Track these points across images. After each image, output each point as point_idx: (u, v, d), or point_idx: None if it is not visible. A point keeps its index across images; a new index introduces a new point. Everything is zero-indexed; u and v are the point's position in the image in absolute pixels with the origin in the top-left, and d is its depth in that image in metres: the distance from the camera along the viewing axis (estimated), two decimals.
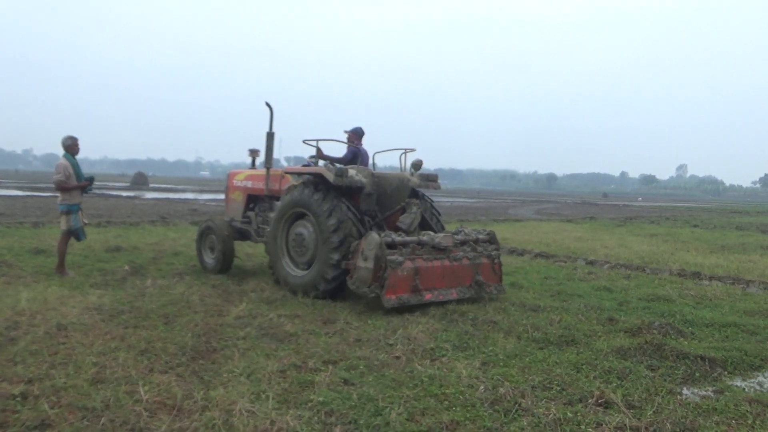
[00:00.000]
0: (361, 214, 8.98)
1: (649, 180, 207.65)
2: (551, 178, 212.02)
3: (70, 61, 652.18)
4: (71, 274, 9.62)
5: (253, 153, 11.14)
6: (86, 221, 10.28)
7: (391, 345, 6.34)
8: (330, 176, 8.56)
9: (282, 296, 8.48)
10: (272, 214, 9.62)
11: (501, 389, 5.08)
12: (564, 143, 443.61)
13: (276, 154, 10.40)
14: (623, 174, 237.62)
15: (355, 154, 9.88)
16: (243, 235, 10.81)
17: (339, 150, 10.09)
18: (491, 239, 9.39)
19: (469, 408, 4.73)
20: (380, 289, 7.75)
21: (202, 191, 53.53)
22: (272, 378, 5.19)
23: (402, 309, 7.93)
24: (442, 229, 9.61)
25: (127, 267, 10.37)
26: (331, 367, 5.53)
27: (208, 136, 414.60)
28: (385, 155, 10.46)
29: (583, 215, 36.63)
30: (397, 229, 8.85)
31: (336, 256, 8.23)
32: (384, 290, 7.71)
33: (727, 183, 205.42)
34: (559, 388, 5.24)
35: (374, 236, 7.92)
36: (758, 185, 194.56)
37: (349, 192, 8.95)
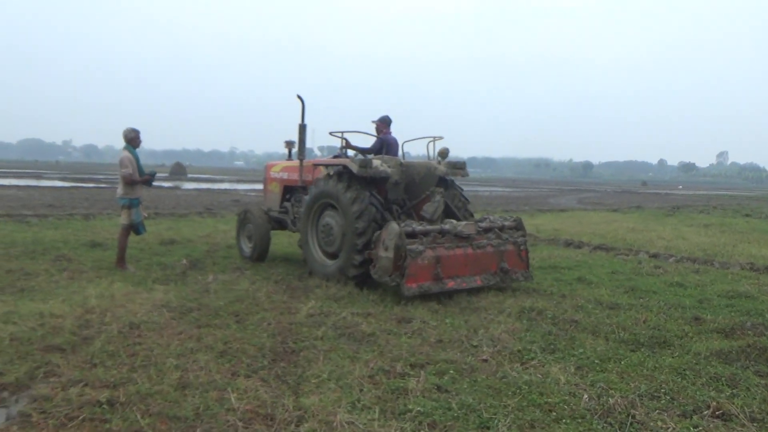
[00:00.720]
0: (388, 203, 9.12)
1: (688, 167, 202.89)
2: (587, 166, 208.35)
3: (108, 54, 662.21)
4: (131, 268, 9.51)
5: (289, 145, 11.26)
6: (146, 214, 10.16)
7: (475, 347, 6.04)
8: (354, 167, 8.65)
9: (348, 293, 8.22)
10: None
11: (609, 399, 4.73)
12: (600, 131, 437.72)
13: (309, 144, 10.51)
14: (661, 162, 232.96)
15: (383, 143, 9.92)
16: (281, 225, 11.04)
17: (368, 139, 10.21)
18: (517, 226, 9.33)
19: (579, 420, 4.40)
20: (401, 278, 7.81)
21: (239, 181, 53.77)
22: (363, 384, 4.92)
23: (478, 308, 7.63)
24: (471, 217, 9.59)
25: (185, 261, 10.23)
26: (420, 371, 5.25)
27: (242, 127, 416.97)
28: (417, 143, 10.51)
29: (627, 204, 35.84)
30: (421, 218, 8.91)
31: (361, 242, 8.37)
32: (404, 279, 7.77)
33: None
34: (668, 398, 4.88)
35: (393, 226, 8.01)
36: None
37: (374, 182, 9.01)
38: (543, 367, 5.51)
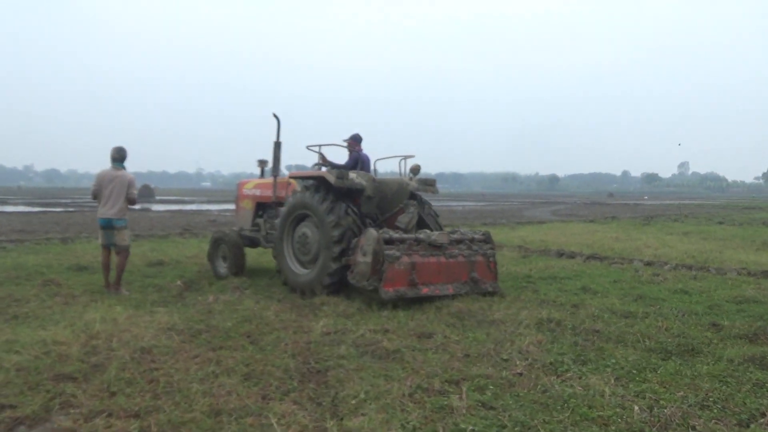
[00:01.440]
0: (361, 216, 9.35)
1: (651, 178, 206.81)
2: (553, 179, 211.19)
3: (70, 75, 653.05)
4: (124, 291, 9.16)
5: (262, 164, 11.51)
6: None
7: (506, 360, 5.84)
8: (331, 178, 8.95)
9: (358, 309, 7.97)
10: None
11: (662, 411, 4.56)
12: (564, 143, 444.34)
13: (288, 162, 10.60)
14: (625, 173, 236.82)
15: (357, 160, 10.27)
16: (253, 242, 11.19)
17: (341, 156, 10.63)
18: (486, 239, 9.59)
19: None
20: (378, 282, 8.07)
21: (209, 201, 53.03)
22: (404, 403, 4.67)
23: (495, 320, 7.44)
24: (440, 229, 9.80)
25: (180, 282, 9.88)
26: (459, 388, 5.02)
27: (208, 147, 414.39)
28: (387, 162, 10.78)
29: (601, 215, 36.19)
30: (396, 229, 9.22)
31: (337, 250, 8.64)
32: (382, 283, 8.04)
33: (730, 179, 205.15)
34: (719, 407, 4.73)
35: (372, 232, 8.32)
36: (761, 181, 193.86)
37: (349, 194, 9.37)
38: (581, 379, 5.33)
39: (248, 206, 11.61)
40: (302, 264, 9.40)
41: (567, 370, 5.57)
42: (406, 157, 10.25)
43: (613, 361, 5.87)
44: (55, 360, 5.63)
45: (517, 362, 5.75)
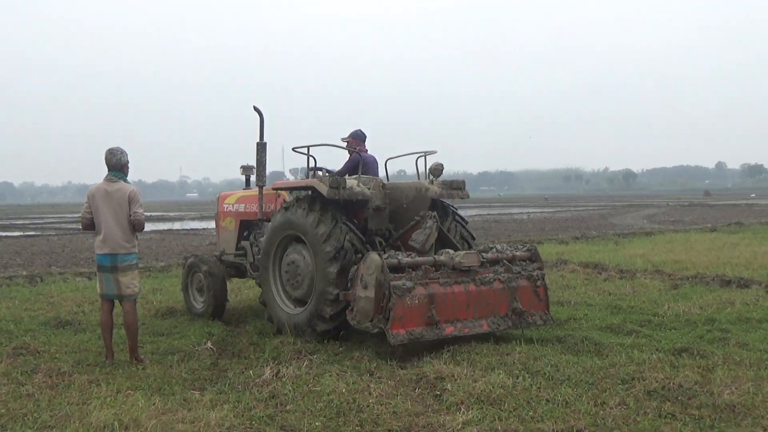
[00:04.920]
0: (369, 234, 9.26)
1: (755, 170, 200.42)
2: (628, 175, 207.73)
3: (25, 69, 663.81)
4: (144, 359, 7.96)
5: (246, 170, 11.34)
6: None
7: None
8: (323, 188, 8.57)
9: (501, 387, 6.42)
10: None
11: None
12: (639, 132, 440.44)
13: (279, 167, 10.00)
14: (720, 165, 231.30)
15: (358, 163, 9.77)
16: (238, 271, 11.06)
17: (343, 160, 10.29)
18: (532, 256, 9.22)
19: None
20: (384, 322, 7.68)
21: (202, 218, 51.82)
22: None
23: (734, 405, 5.84)
24: (470, 247, 9.50)
25: (210, 344, 8.48)
26: None
27: (193, 152, 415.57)
28: (408, 163, 10.24)
29: (713, 221, 34.49)
30: (412, 248, 8.72)
31: (334, 291, 8.32)
32: (389, 324, 7.63)
33: None
34: None
35: (374, 257, 7.92)
36: None
37: (350, 207, 9.01)
38: None
39: (231, 226, 11.42)
40: (292, 299, 9.20)
41: None
42: (425, 154, 9.94)
43: None
44: None
45: None
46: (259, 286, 9.70)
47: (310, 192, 8.96)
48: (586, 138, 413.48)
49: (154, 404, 6.12)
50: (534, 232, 29.42)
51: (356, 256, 8.41)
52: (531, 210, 56.94)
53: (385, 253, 8.47)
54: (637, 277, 13.81)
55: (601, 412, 5.86)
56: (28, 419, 5.86)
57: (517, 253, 9.09)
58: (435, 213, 9.00)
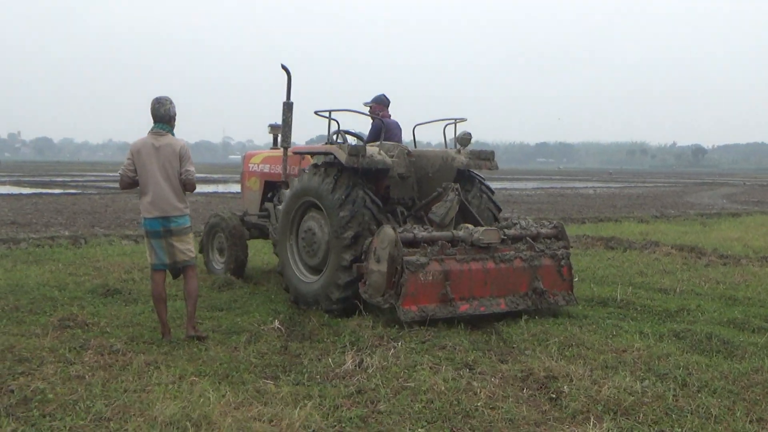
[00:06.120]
0: (391, 203, 9.31)
1: None
2: (698, 151, 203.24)
3: (65, 28, 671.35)
4: (205, 336, 7.42)
5: (275, 129, 11.31)
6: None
7: None
8: (342, 155, 8.56)
9: (631, 398, 5.67)
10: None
11: None
12: (710, 104, 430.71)
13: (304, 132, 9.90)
14: None
15: (380, 130, 9.90)
16: (261, 232, 11.21)
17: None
18: (559, 233, 9.19)
19: None
20: (396, 298, 7.77)
21: None
22: None
23: None
24: (494, 222, 9.53)
25: (277, 323, 7.90)
26: None
27: (236, 113, 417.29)
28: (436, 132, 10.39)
29: None
30: (431, 222, 8.81)
31: (348, 257, 8.35)
32: (400, 300, 7.72)
33: None
34: None
35: (388, 231, 7.97)
36: None
37: (370, 175, 8.96)
38: None
39: (255, 186, 11.59)
40: (309, 268, 9.22)
41: None
42: (455, 121, 9.86)
43: None
44: None
45: None
46: (276, 255, 9.71)
47: (331, 158, 8.89)
48: (651, 111, 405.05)
49: (224, 396, 5.52)
50: (606, 208, 28.40)
51: (374, 225, 8.41)
52: (596, 185, 55.65)
53: (406, 223, 8.76)
54: (742, 264, 12.90)
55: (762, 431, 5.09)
56: (80, 408, 5.28)
57: (543, 231, 9.08)
58: (457, 185, 8.98)
